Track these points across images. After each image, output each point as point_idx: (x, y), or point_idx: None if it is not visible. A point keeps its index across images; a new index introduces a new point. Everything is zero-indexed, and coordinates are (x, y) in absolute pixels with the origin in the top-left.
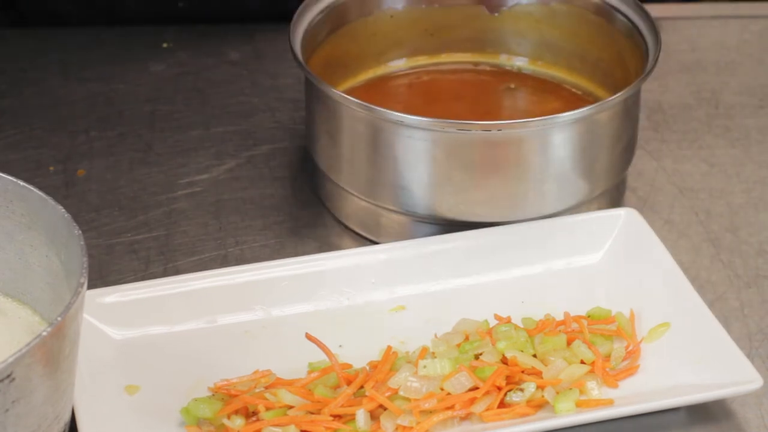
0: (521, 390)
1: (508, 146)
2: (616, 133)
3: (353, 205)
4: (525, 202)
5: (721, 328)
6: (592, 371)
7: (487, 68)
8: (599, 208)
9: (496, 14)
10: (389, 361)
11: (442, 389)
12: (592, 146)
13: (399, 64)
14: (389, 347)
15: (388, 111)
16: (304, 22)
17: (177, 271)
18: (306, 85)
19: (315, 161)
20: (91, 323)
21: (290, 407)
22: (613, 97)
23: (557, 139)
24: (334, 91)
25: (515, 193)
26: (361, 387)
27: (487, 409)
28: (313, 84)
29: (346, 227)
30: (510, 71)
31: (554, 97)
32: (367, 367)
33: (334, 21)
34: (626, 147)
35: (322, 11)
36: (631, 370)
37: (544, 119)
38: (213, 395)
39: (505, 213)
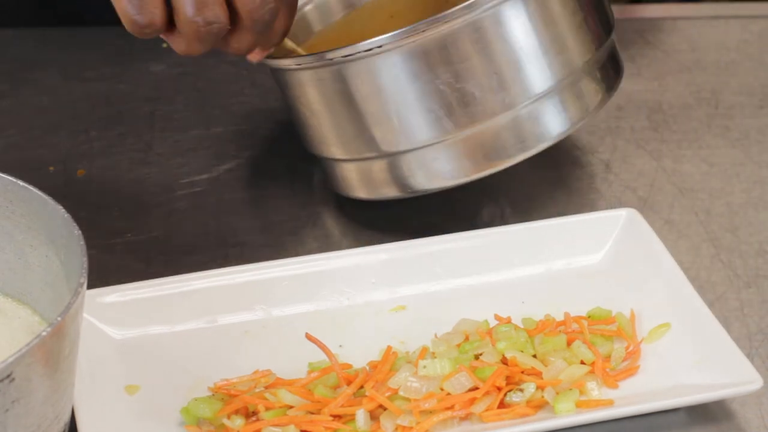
0: (521, 390)
1: (461, 40)
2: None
3: (346, 171)
4: (513, 84)
5: (721, 328)
6: (592, 372)
7: None
8: (600, 78)
9: None
10: (389, 361)
11: (442, 389)
12: (542, 21)
13: None
14: (389, 347)
15: (313, 54)
16: None
17: (177, 271)
18: None
19: (305, 145)
20: (91, 323)
21: (290, 407)
22: None
23: (493, 29)
24: (271, 61)
25: (490, 82)
26: (361, 387)
27: (487, 410)
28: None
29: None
30: None
31: None
32: (367, 367)
33: (328, 11)
34: (589, 15)
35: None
36: (631, 371)
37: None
38: (213, 395)
39: (496, 106)
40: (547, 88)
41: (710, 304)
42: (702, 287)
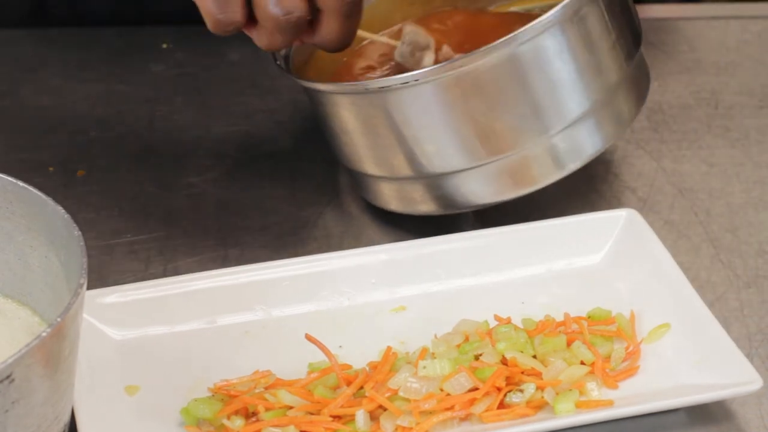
0: (521, 391)
1: (489, 76)
2: (602, 30)
3: (380, 186)
4: (550, 111)
5: (721, 328)
6: (592, 372)
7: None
8: (632, 91)
9: None
10: (389, 362)
11: (441, 390)
12: (579, 49)
13: None
14: (389, 348)
15: (348, 83)
16: None
17: (177, 272)
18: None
19: (337, 158)
20: (91, 323)
21: (290, 408)
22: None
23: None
24: (303, 81)
25: (527, 110)
26: (361, 388)
27: (487, 410)
28: (304, 86)
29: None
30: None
31: None
32: (367, 368)
33: None
34: (622, 33)
35: None
36: (631, 371)
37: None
38: (213, 395)
39: (533, 133)
40: (584, 111)
41: (710, 304)
42: (702, 287)
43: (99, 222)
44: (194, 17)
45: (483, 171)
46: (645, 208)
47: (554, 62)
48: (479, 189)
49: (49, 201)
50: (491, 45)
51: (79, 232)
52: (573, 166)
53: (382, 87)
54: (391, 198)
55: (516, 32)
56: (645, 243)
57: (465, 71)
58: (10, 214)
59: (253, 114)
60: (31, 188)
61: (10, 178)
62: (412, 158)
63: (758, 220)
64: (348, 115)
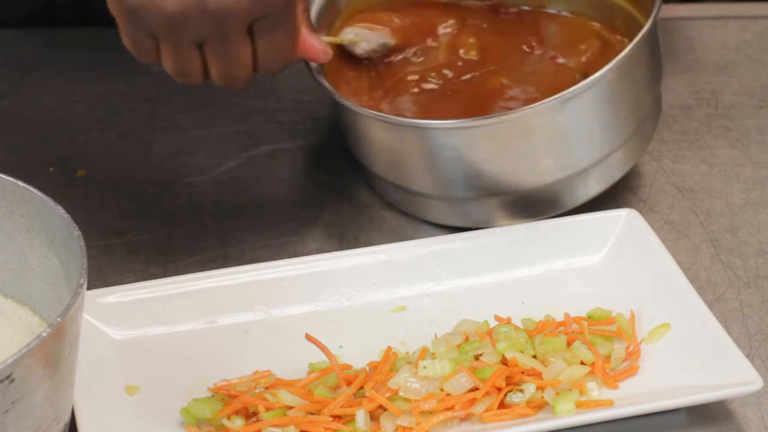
0: (521, 391)
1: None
2: (636, 79)
3: (431, 204)
4: (581, 154)
5: (721, 328)
6: (592, 372)
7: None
8: (654, 113)
9: None
10: (389, 362)
11: (442, 390)
12: (613, 99)
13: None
14: (389, 348)
15: (407, 119)
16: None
17: (177, 272)
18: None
19: (370, 169)
20: (91, 323)
21: (290, 408)
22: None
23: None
24: (353, 105)
25: (562, 153)
26: (361, 388)
27: (487, 410)
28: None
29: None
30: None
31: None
32: (367, 368)
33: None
34: (655, 68)
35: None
36: (631, 371)
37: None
38: (213, 396)
39: (566, 170)
40: (618, 145)
41: (710, 305)
42: (702, 287)
43: (99, 222)
44: None
45: (511, 197)
46: (645, 208)
47: (600, 109)
48: (503, 213)
49: (49, 201)
50: (541, 102)
51: (79, 232)
52: (600, 186)
53: (415, 125)
54: (430, 209)
55: (570, 90)
56: (645, 243)
57: (501, 122)
58: (10, 214)
59: (253, 114)
60: (31, 188)
61: (10, 178)
62: (438, 182)
63: (758, 220)
64: (382, 136)
